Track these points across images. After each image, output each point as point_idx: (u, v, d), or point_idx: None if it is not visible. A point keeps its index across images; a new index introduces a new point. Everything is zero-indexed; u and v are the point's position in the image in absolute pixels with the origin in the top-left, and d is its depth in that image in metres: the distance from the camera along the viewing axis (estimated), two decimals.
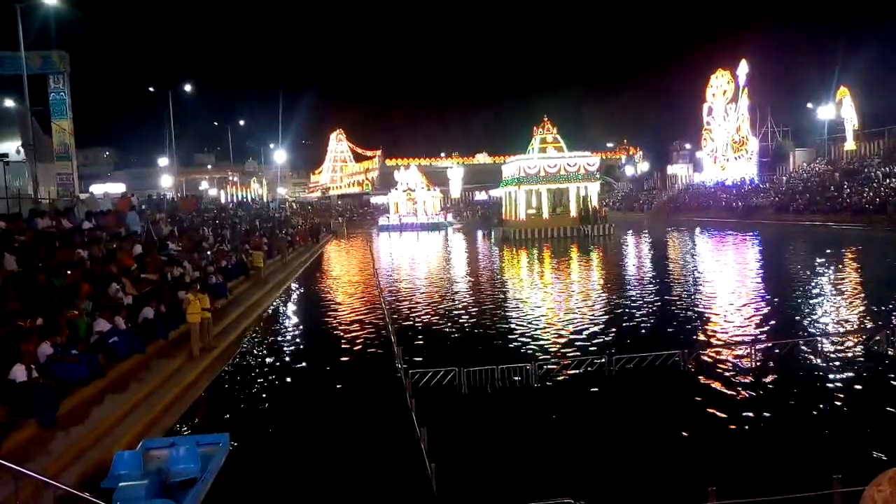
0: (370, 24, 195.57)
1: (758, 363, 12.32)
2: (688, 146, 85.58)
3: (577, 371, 12.11)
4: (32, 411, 8.36)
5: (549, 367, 12.26)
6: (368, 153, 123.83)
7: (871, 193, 46.51)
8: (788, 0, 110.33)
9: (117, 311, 12.22)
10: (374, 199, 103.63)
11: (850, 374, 11.53)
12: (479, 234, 58.80)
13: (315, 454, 9.19)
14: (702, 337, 14.88)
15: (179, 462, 8.03)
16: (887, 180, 47.84)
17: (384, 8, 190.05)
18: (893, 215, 40.57)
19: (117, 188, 51.59)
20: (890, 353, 12.46)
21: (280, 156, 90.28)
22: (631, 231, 52.78)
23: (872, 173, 50.89)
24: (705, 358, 12.75)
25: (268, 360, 14.73)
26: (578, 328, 16.12)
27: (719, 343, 14.16)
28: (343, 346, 15.51)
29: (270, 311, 21.04)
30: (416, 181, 75.29)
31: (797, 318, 16.39)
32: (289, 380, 12.94)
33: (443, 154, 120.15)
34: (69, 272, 13.27)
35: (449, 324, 17.49)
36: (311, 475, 8.61)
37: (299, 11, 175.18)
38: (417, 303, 21.12)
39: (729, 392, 10.90)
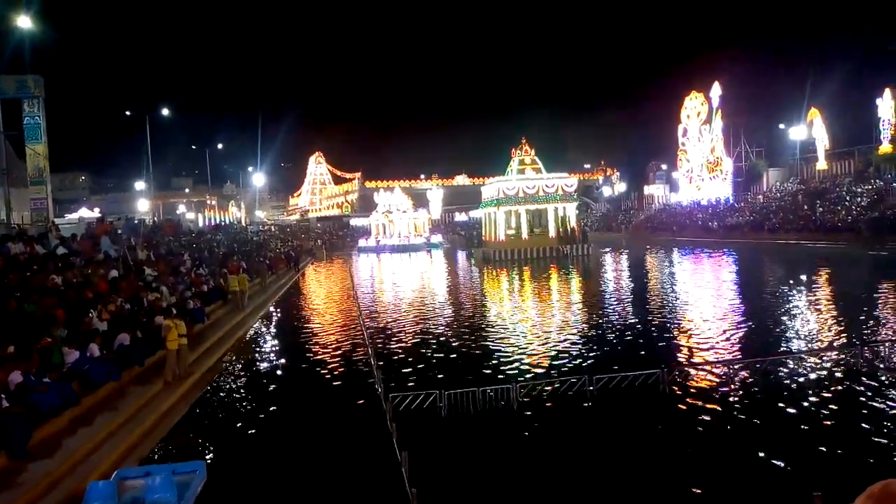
0: (349, 47, 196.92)
1: (736, 381, 12.40)
2: (664, 167, 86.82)
3: (558, 392, 12.10)
4: (2, 442, 8.15)
5: (529, 388, 12.23)
6: (347, 175, 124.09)
7: (843, 212, 47.44)
8: (760, 24, 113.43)
9: (91, 337, 12.01)
10: (354, 222, 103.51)
11: (828, 392, 11.64)
12: (461, 254, 58.93)
13: (294, 480, 9.04)
14: (681, 355, 14.97)
15: (155, 492, 7.84)
16: (858, 199, 48.89)
17: (362, 31, 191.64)
18: (864, 234, 41.37)
19: (93, 213, 51.01)
20: (865, 370, 12.62)
21: (258, 179, 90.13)
22: (609, 251, 53.21)
23: (844, 192, 51.98)
24: (685, 376, 12.82)
25: (246, 385, 14.52)
26: (559, 348, 16.13)
27: (698, 361, 14.25)
28: (323, 370, 15.35)
29: (249, 336, 20.80)
30: (398, 203, 75.35)
31: (774, 335, 16.56)
32: (267, 405, 12.75)
33: (422, 176, 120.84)
34: (42, 298, 13.04)
35: (430, 346, 17.40)
36: (290, 503, 8.46)
37: (277, 34, 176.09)
38: (398, 325, 21.02)
39: (708, 410, 10.94)
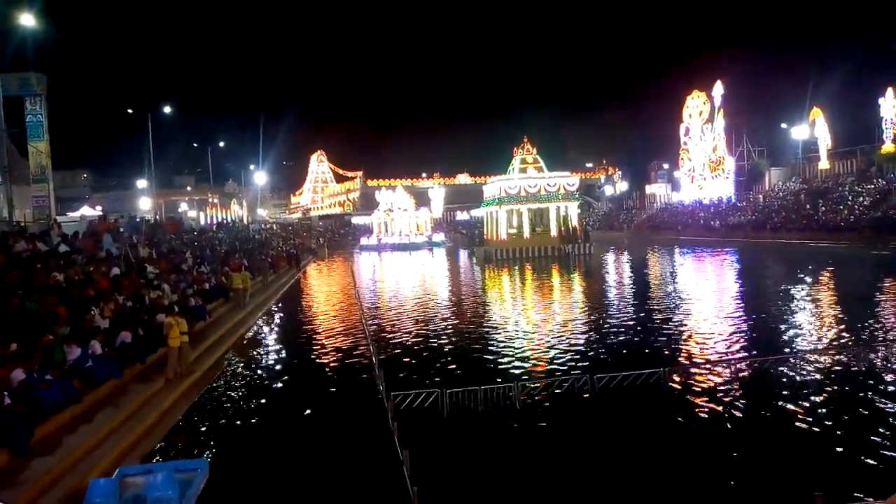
0: (351, 45, 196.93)
1: (738, 380, 12.39)
2: (666, 166, 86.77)
3: (560, 391, 12.09)
4: (4, 440, 8.16)
5: (531, 387, 12.22)
6: (349, 174, 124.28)
7: (845, 212, 47.35)
8: (761, 24, 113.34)
9: (93, 335, 12.02)
10: (356, 220, 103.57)
11: (829, 391, 11.63)
12: (463, 253, 58.90)
13: (295, 478, 9.05)
14: (683, 354, 14.95)
15: (157, 489, 7.85)
16: (860, 198, 48.80)
17: (364, 30, 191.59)
18: (867, 233, 41.29)
19: (95, 211, 51.04)
20: (866, 369, 12.60)
21: (260, 177, 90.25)
22: (611, 250, 53.18)
23: (846, 191, 51.89)
24: (687, 376, 12.80)
25: (247, 383, 14.53)
26: (560, 347, 16.12)
27: (700, 360, 14.23)
28: (324, 368, 15.36)
29: (251, 334, 20.80)
30: (400, 201, 75.39)
31: (776, 334, 16.54)
32: (269, 403, 12.77)
33: (424, 175, 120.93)
34: (44, 296, 13.05)
35: (431, 344, 17.40)
36: (291, 500, 8.47)
37: (280, 33, 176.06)
38: (399, 323, 21.01)
39: (710, 409, 10.93)
